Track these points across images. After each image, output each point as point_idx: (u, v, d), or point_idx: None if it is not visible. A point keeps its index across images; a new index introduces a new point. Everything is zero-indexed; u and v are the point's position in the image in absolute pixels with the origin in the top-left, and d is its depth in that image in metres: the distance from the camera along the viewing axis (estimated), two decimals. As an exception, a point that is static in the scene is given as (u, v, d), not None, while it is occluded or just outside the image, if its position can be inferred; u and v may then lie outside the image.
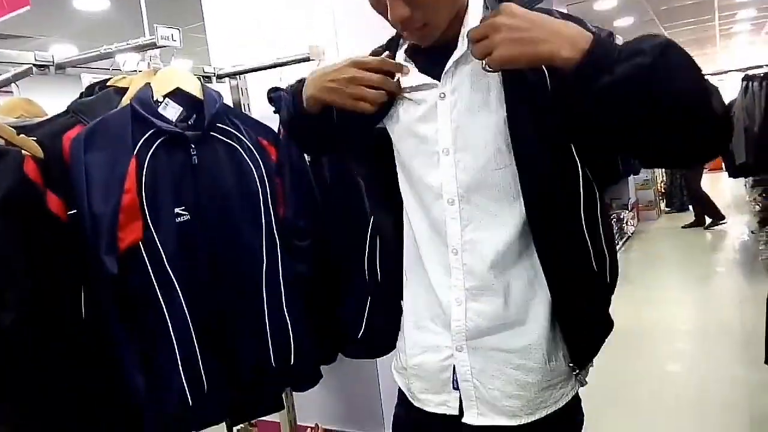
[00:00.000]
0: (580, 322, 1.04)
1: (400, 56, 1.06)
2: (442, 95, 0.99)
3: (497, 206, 0.99)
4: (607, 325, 1.12)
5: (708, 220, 7.14)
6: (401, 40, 1.07)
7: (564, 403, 1.05)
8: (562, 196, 0.98)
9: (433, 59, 1.01)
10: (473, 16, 0.98)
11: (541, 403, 1.03)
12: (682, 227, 7.29)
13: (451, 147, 0.99)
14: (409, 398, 1.13)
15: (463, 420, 1.04)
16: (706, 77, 0.83)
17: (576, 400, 1.09)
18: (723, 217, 7.08)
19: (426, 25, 0.96)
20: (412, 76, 1.03)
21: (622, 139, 0.89)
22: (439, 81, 1.00)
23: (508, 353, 1.02)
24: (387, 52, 1.06)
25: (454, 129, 0.99)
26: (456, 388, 1.05)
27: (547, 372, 1.02)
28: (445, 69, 0.98)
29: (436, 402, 1.08)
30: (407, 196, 1.09)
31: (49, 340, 1.16)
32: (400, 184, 1.11)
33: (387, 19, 0.96)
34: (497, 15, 0.87)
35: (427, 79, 1.01)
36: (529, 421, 1.02)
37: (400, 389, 1.17)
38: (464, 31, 0.97)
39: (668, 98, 0.79)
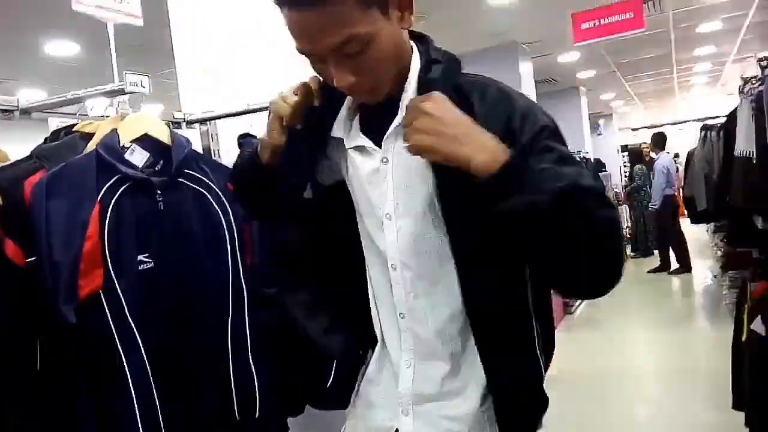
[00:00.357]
0: (512, 398, 1.01)
1: (345, 108, 1.06)
2: (385, 160, 1.00)
3: (439, 273, 0.99)
4: (542, 403, 1.09)
5: (674, 266, 7.27)
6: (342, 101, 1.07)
7: None
8: (496, 266, 0.96)
9: (375, 119, 1.01)
10: (413, 80, 0.98)
11: None
12: (648, 272, 7.42)
13: (393, 212, 0.99)
14: None
15: None
16: (605, 221, 0.88)
17: None
18: (690, 269, 7.21)
19: (373, 88, 0.95)
20: (355, 137, 1.03)
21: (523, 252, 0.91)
22: (380, 147, 1.00)
23: (451, 421, 1.00)
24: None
25: (394, 194, 0.99)
26: None
27: None
28: (386, 134, 0.99)
29: None
30: (366, 250, 1.09)
31: (2, 390, 1.11)
32: (361, 236, 1.10)
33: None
34: (426, 102, 0.88)
35: (369, 143, 1.01)
36: None
37: None
38: (405, 97, 0.97)
39: (555, 240, 0.84)
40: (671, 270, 7.28)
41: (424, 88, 0.95)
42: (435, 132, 0.86)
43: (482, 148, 0.85)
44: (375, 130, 1.01)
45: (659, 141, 7.31)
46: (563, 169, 0.87)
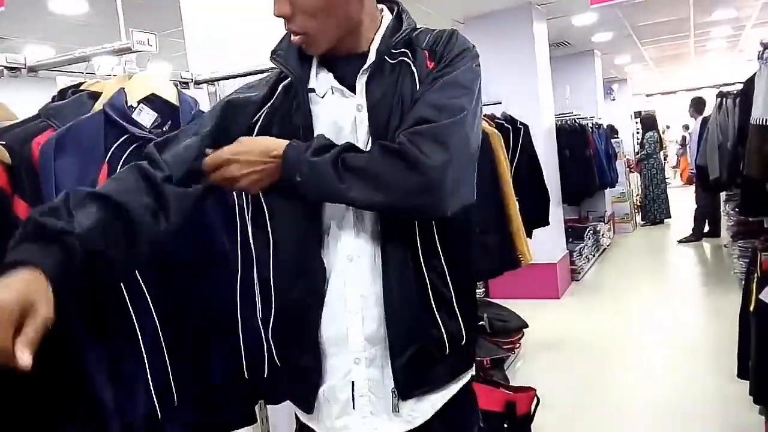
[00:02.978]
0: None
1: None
2: (359, 107, 1.06)
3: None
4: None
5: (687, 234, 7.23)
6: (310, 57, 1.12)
7: None
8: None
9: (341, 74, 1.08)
10: (378, 38, 1.08)
11: None
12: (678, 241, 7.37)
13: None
14: None
15: None
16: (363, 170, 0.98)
17: None
18: (700, 238, 7.21)
19: (305, 34, 1.03)
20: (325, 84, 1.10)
21: None
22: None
23: None
24: None
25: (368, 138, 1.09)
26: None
27: None
28: (357, 77, 1.06)
29: None
30: None
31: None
32: None
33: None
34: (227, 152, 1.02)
35: (343, 88, 1.09)
36: None
37: None
38: (372, 48, 1.07)
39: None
40: (680, 239, 7.26)
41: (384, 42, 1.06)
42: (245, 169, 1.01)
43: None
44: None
45: (699, 106, 7.11)
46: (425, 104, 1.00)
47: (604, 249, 7.22)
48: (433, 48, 1.07)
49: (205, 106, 1.78)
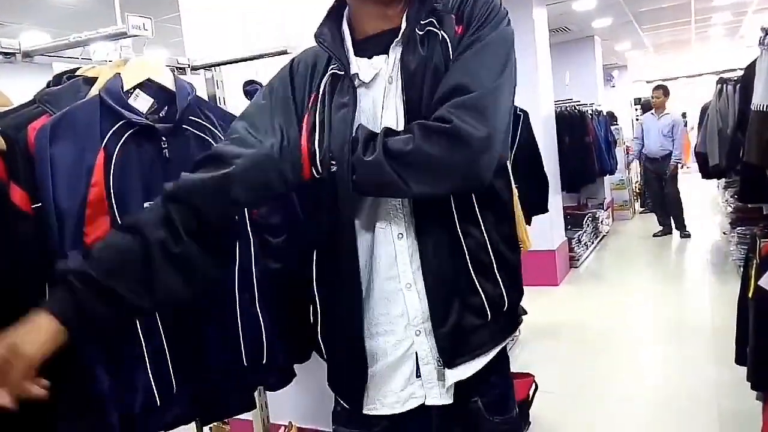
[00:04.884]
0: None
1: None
2: (390, 79, 1.06)
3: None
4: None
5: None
6: (344, 30, 1.11)
7: None
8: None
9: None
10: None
11: None
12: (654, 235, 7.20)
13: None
14: None
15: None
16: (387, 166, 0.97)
17: None
18: (670, 232, 6.90)
19: None
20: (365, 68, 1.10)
21: None
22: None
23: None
24: None
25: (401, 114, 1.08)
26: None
27: None
28: (392, 46, 1.07)
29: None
30: None
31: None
32: None
33: None
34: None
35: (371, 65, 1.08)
36: None
37: None
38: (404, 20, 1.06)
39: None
40: (655, 233, 6.98)
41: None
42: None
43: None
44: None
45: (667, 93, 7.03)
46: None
47: (603, 236, 7.22)
48: (461, 10, 1.06)
49: (202, 91, 1.76)
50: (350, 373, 1.15)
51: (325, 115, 1.07)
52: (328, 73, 1.11)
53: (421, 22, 1.05)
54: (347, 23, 1.13)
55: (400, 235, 1.07)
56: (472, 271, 1.07)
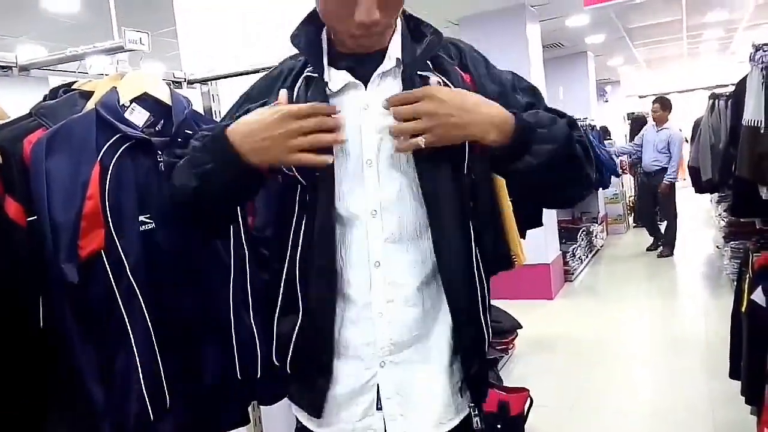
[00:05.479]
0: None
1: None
2: (366, 106, 1.04)
3: (413, 221, 1.06)
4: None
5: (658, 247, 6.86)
6: (321, 47, 1.08)
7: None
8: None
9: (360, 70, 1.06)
10: (398, 32, 1.07)
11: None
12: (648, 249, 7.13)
13: (374, 158, 1.04)
14: None
15: None
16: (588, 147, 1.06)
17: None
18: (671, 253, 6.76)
19: (385, 28, 1.01)
20: (340, 81, 1.06)
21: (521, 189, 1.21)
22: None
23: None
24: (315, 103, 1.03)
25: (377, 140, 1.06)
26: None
27: None
28: (372, 78, 1.04)
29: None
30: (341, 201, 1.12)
31: (6, 348, 1.12)
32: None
33: (338, 28, 1.02)
34: (426, 98, 0.95)
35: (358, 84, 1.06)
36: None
37: None
38: (392, 46, 1.05)
39: (568, 175, 1.03)
40: (654, 249, 6.87)
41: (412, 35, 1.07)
42: (446, 126, 0.95)
43: (489, 122, 0.96)
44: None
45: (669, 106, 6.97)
46: (542, 106, 1.10)
47: (597, 250, 7.24)
48: (462, 63, 1.10)
49: (199, 106, 1.77)
50: (312, 387, 1.13)
51: None
52: (303, 75, 1.09)
53: (423, 65, 1.04)
54: (326, 32, 1.10)
55: (377, 264, 1.05)
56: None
